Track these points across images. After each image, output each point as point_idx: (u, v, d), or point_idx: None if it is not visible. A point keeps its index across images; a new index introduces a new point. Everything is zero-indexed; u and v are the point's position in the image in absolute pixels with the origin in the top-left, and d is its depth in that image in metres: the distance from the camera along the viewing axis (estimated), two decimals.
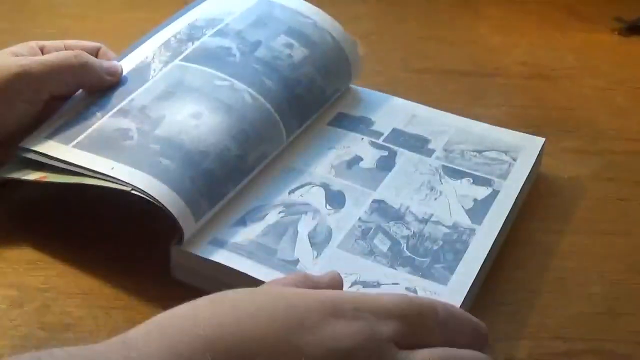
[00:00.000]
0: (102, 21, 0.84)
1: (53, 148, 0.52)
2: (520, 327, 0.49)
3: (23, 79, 0.53)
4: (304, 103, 0.60)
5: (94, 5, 0.88)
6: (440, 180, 0.58)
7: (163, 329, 0.36)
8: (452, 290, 0.48)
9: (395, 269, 0.50)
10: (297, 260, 0.50)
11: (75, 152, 0.52)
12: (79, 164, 0.51)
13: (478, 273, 0.50)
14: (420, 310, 0.40)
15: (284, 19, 0.64)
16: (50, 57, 0.55)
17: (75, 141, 0.53)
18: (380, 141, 0.61)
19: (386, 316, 0.39)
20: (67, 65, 0.55)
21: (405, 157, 0.60)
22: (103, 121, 0.54)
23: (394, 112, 0.65)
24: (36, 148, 0.53)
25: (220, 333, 0.36)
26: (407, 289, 0.48)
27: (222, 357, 0.35)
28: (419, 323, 0.40)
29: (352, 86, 0.68)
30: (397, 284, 0.48)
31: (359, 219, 0.53)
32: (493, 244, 0.52)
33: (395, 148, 0.60)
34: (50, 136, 0.53)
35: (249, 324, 0.36)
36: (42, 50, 0.58)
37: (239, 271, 0.48)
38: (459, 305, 0.47)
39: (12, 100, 0.53)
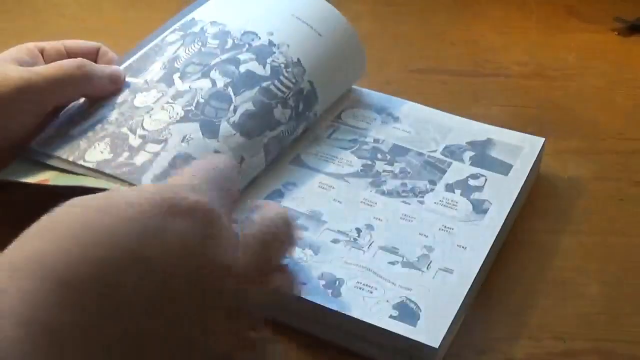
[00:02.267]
0: (102, 21, 0.84)
1: (61, 150, 0.53)
2: (520, 327, 0.49)
3: (26, 93, 0.53)
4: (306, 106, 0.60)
5: (94, 5, 0.88)
6: (440, 180, 0.58)
7: (12, 272, 0.34)
8: (452, 290, 0.48)
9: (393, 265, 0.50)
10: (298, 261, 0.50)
11: (83, 153, 0.52)
12: (87, 166, 0.51)
13: (478, 272, 0.50)
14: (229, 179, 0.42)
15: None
16: (53, 70, 0.54)
17: (83, 142, 0.53)
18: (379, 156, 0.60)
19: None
20: (70, 78, 0.54)
21: (404, 158, 0.60)
22: (110, 122, 0.54)
23: (393, 113, 0.65)
24: (45, 150, 0.53)
25: (57, 267, 0.34)
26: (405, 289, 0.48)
27: (71, 290, 0.33)
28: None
29: (353, 86, 0.68)
30: (394, 283, 0.49)
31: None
32: (493, 243, 0.52)
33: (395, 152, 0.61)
34: (58, 138, 0.54)
35: (92, 249, 0.35)
36: (42, 52, 0.58)
37: None
38: (459, 303, 0.47)
39: (15, 113, 0.53)
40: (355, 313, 0.46)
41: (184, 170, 0.41)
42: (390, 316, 0.46)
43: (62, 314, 0.33)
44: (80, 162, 0.51)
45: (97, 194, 0.38)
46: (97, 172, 0.51)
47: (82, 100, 0.57)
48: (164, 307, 0.36)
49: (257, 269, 0.39)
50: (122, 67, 0.59)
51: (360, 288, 0.48)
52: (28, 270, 0.33)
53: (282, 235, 0.41)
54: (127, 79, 0.58)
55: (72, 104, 0.57)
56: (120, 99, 0.56)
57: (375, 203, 0.55)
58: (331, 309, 0.46)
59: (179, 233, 0.37)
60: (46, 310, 0.32)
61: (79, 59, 0.56)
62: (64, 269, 0.34)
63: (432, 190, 0.57)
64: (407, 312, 0.47)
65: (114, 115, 0.55)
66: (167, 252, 0.36)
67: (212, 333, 0.38)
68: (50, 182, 0.52)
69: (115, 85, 0.57)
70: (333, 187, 0.56)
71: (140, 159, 0.51)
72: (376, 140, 0.62)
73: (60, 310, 0.33)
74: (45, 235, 0.36)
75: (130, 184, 0.50)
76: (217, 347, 0.39)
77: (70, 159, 0.52)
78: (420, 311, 0.47)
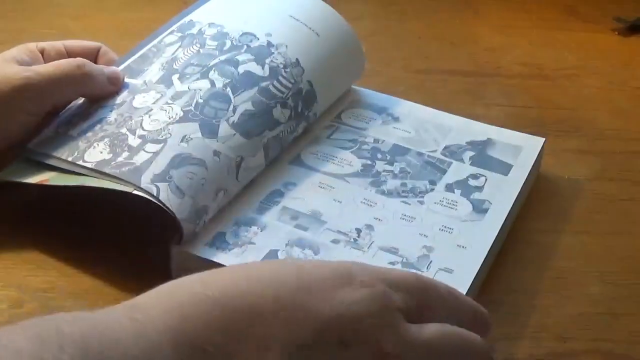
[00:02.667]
0: (102, 21, 0.84)
1: (61, 150, 0.53)
2: (520, 327, 0.49)
3: (25, 92, 0.53)
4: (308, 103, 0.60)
5: (94, 5, 0.88)
6: (440, 180, 0.58)
7: (171, 292, 0.36)
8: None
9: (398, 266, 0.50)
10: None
11: (82, 153, 0.52)
12: (86, 165, 0.51)
13: (478, 272, 0.50)
14: (426, 286, 0.41)
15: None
16: (52, 69, 0.54)
17: (83, 143, 0.53)
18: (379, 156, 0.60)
19: (397, 288, 0.39)
20: (69, 77, 0.55)
21: (404, 158, 0.60)
22: (109, 123, 0.54)
23: (393, 113, 0.65)
24: (45, 150, 0.53)
25: (228, 294, 0.36)
26: None
27: (229, 317, 0.35)
28: (424, 298, 0.40)
29: (353, 86, 0.68)
30: None
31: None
32: (493, 243, 0.52)
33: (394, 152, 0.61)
34: (58, 138, 0.54)
35: (258, 286, 0.36)
36: (42, 53, 0.58)
37: None
38: None
39: (14, 112, 0.53)
40: None
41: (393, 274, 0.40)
42: None
43: (213, 335, 0.34)
44: (80, 162, 0.52)
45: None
46: (96, 172, 0.51)
47: (81, 100, 0.57)
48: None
49: None
50: (120, 68, 0.59)
51: None
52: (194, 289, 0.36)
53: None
54: (126, 80, 0.58)
55: (72, 104, 0.57)
56: (119, 99, 0.56)
57: (375, 203, 0.55)
58: None
59: (347, 298, 0.37)
60: (202, 330, 0.34)
61: (79, 59, 0.56)
62: (230, 297, 0.36)
63: (432, 190, 0.57)
64: None
65: (113, 115, 0.55)
66: (328, 310, 0.36)
67: None
68: (50, 182, 0.52)
69: (114, 86, 0.57)
70: (333, 187, 0.56)
71: (139, 158, 0.51)
72: (376, 140, 0.62)
73: (213, 332, 0.34)
74: (242, 272, 0.38)
75: (130, 184, 0.50)
76: None
77: (70, 159, 0.52)
78: None
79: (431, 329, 0.39)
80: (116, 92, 0.57)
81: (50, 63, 0.55)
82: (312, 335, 0.36)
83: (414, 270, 0.49)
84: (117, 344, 0.32)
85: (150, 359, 0.32)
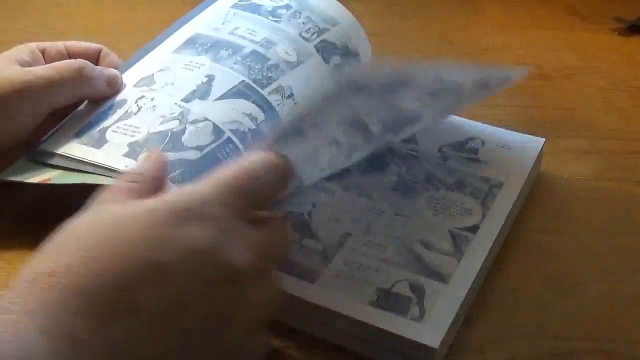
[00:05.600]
0: (102, 20, 0.84)
1: (64, 148, 0.53)
2: (520, 327, 0.49)
3: (24, 94, 0.53)
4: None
5: (94, 5, 0.88)
6: (439, 180, 0.58)
7: (33, 285, 0.36)
8: (452, 288, 0.48)
9: (399, 265, 0.50)
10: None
11: (89, 150, 0.52)
12: (94, 162, 0.51)
13: (478, 272, 0.50)
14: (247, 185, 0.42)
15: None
16: (51, 71, 0.54)
17: (88, 139, 0.53)
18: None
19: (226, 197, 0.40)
20: (68, 79, 0.55)
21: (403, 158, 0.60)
22: (115, 122, 0.54)
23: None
24: (48, 149, 0.53)
25: (79, 280, 0.35)
26: (410, 283, 0.48)
27: (88, 302, 0.35)
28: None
29: None
30: (399, 281, 0.49)
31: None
32: (493, 243, 0.52)
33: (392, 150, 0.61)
34: (61, 137, 0.54)
35: (104, 263, 0.36)
36: (43, 53, 0.58)
37: None
38: (458, 305, 0.47)
39: (13, 114, 0.53)
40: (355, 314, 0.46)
41: (209, 178, 0.41)
42: None
43: (81, 322, 0.34)
44: (82, 159, 0.51)
45: (116, 200, 0.40)
46: (99, 167, 0.51)
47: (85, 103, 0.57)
48: (183, 313, 0.37)
49: (258, 269, 0.40)
50: (123, 74, 0.59)
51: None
52: (51, 282, 0.35)
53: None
54: (133, 88, 0.57)
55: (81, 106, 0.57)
56: (122, 97, 0.56)
57: (374, 203, 0.55)
58: (333, 310, 0.46)
59: (191, 239, 0.38)
60: (66, 318, 0.34)
61: (78, 60, 0.56)
62: (84, 280, 0.35)
63: (432, 190, 0.57)
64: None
65: (117, 114, 0.55)
66: (181, 259, 0.37)
67: (232, 337, 0.39)
68: (52, 181, 0.52)
69: (113, 89, 0.57)
70: (334, 190, 0.56)
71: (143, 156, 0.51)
72: None
73: (80, 319, 0.34)
74: (68, 247, 0.37)
75: None
76: (240, 349, 0.39)
77: (72, 156, 0.52)
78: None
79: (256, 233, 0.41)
80: (115, 94, 0.57)
81: (50, 65, 0.55)
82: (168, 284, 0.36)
83: (408, 272, 0.50)
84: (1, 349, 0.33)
85: (31, 357, 0.33)
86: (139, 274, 0.36)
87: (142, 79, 0.58)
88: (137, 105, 0.55)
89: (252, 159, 0.42)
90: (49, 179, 0.52)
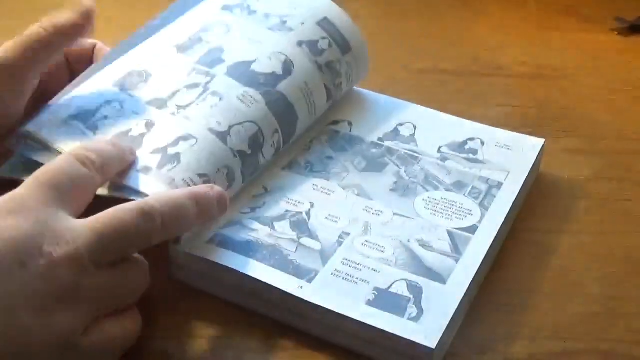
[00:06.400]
0: (102, 20, 0.84)
1: (63, 142, 0.52)
2: (520, 327, 0.49)
3: None
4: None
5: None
6: (439, 181, 0.58)
7: None
8: (451, 289, 0.48)
9: (397, 265, 0.50)
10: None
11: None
12: None
13: (477, 273, 0.50)
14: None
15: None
16: (17, 40, 0.52)
17: (86, 137, 0.52)
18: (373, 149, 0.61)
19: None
20: (35, 39, 0.52)
21: (398, 155, 0.60)
22: (113, 118, 0.54)
23: (392, 114, 0.65)
24: (48, 137, 0.52)
25: None
26: (407, 283, 0.48)
27: None
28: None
29: (353, 87, 0.68)
30: (397, 281, 0.49)
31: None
32: (492, 243, 0.52)
33: (390, 149, 0.61)
34: (60, 126, 0.53)
35: None
36: None
37: (238, 271, 0.48)
38: (456, 305, 0.47)
39: None
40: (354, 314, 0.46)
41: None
42: None
43: None
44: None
45: None
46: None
47: (82, 84, 0.56)
48: None
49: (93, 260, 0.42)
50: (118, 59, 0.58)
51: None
52: None
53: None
54: (132, 92, 0.57)
55: (66, 89, 0.56)
56: (127, 89, 0.56)
57: (373, 203, 0.55)
58: (330, 310, 0.46)
59: (6, 227, 0.40)
60: None
61: (43, 20, 0.54)
62: None
63: (430, 190, 0.57)
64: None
65: (119, 107, 0.54)
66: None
67: (45, 317, 0.40)
68: None
69: (83, 27, 0.55)
70: (333, 190, 0.56)
71: (142, 151, 0.51)
72: (375, 142, 0.62)
73: None
74: None
75: (127, 187, 0.49)
76: (55, 331, 0.40)
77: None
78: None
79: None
80: (89, 27, 0.55)
81: (17, 36, 0.53)
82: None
83: (412, 274, 0.49)
84: None
85: None
86: None
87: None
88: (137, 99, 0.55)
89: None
90: None
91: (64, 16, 0.54)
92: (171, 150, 0.51)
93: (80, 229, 0.42)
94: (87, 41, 0.60)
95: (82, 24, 0.55)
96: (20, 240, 0.40)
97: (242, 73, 0.57)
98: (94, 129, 0.53)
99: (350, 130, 0.63)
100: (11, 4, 0.86)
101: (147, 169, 0.50)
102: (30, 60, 0.52)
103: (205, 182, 0.50)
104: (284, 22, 0.62)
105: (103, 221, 0.43)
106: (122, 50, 0.59)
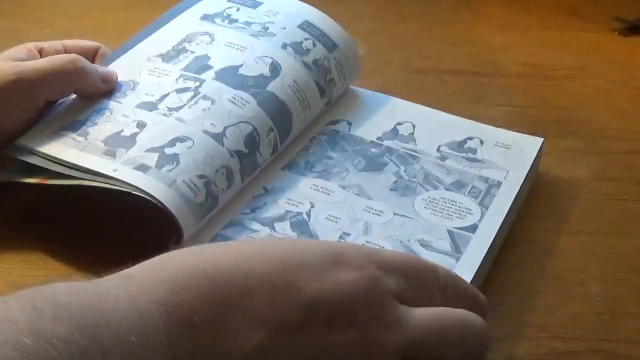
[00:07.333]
0: (102, 21, 0.84)
1: (55, 150, 0.52)
2: (520, 327, 0.49)
3: (17, 86, 0.53)
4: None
5: (94, 5, 0.88)
6: (438, 180, 0.58)
7: (165, 264, 0.37)
8: None
9: None
10: None
11: (78, 154, 0.52)
12: (82, 166, 0.51)
13: (477, 272, 0.50)
14: (422, 270, 0.41)
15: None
16: (45, 64, 0.54)
17: (77, 143, 0.53)
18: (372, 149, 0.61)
19: (389, 270, 0.39)
20: (62, 72, 0.54)
21: (403, 158, 0.60)
22: (103, 123, 0.54)
23: (391, 113, 0.65)
24: (40, 149, 0.52)
25: (221, 269, 0.36)
26: None
27: (219, 291, 0.35)
28: (419, 282, 0.40)
29: (351, 87, 0.68)
30: None
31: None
32: (492, 243, 0.52)
33: (390, 146, 0.61)
34: (51, 137, 0.53)
35: (250, 262, 0.37)
36: (41, 52, 0.58)
37: None
38: None
39: (6, 107, 0.53)
40: None
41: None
42: None
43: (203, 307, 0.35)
44: (77, 163, 0.51)
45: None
46: (94, 173, 0.51)
47: (73, 96, 0.57)
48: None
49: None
50: (110, 65, 0.59)
51: None
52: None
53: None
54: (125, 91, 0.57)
55: (63, 100, 0.56)
56: (115, 97, 0.56)
57: (373, 203, 0.55)
58: None
59: (337, 279, 0.37)
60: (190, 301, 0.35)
61: (72, 55, 0.56)
62: (218, 272, 0.36)
63: (430, 190, 0.57)
64: None
65: (109, 114, 0.55)
66: (308, 280, 0.37)
67: None
68: (49, 182, 0.52)
69: (107, 85, 0.57)
70: (333, 190, 0.56)
71: (139, 159, 0.51)
72: (374, 141, 0.62)
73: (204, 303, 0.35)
74: (234, 248, 0.39)
75: (126, 184, 0.49)
76: None
77: (67, 160, 0.52)
78: None
79: (424, 311, 0.38)
80: (110, 91, 0.56)
81: (44, 58, 0.55)
82: (299, 314, 0.36)
83: None
84: (111, 316, 0.32)
85: (142, 330, 0.33)
86: (272, 287, 0.36)
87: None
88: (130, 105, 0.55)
89: None
90: (46, 180, 0.52)
91: (95, 74, 0.56)
92: (169, 151, 0.51)
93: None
94: (90, 43, 0.61)
95: (105, 90, 0.57)
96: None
97: (231, 77, 0.58)
98: (85, 134, 0.53)
99: (350, 130, 0.63)
100: (11, 4, 0.86)
101: (144, 167, 0.50)
102: (48, 90, 0.54)
103: (205, 183, 0.51)
104: (266, 29, 0.63)
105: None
106: (111, 60, 0.60)
